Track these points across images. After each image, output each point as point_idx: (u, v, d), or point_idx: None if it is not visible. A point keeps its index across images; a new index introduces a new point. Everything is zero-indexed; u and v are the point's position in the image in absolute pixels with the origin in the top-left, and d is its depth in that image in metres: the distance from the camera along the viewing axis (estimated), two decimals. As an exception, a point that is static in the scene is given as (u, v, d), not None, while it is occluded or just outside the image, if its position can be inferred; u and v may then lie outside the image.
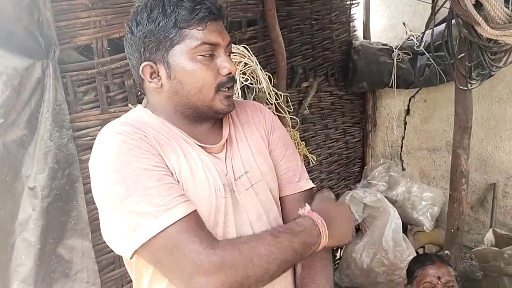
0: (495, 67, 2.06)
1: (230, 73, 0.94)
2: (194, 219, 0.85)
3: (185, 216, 0.82)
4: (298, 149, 2.48)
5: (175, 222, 0.81)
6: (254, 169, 1.02)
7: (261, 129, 1.10)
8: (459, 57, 2.10)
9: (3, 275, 1.40)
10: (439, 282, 1.72)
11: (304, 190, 1.10)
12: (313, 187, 1.13)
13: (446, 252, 2.32)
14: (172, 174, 0.89)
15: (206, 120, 1.00)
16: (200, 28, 0.91)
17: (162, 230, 0.80)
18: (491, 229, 2.74)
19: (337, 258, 3.14)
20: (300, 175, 1.11)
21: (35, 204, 1.44)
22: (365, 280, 2.62)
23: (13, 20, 1.33)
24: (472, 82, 2.16)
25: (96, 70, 1.60)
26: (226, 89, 0.96)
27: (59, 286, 1.49)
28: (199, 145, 0.97)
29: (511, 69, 2.75)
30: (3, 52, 1.32)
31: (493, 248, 2.59)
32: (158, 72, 0.95)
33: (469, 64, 2.07)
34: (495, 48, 1.96)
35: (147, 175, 0.84)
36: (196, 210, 0.86)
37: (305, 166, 2.52)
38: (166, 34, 0.91)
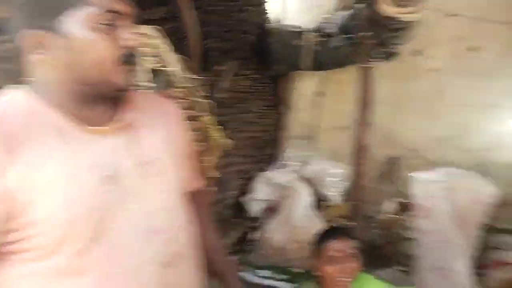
0: (395, 45, 2.19)
1: (130, 46, 0.87)
2: None
3: None
4: (213, 134, 2.48)
5: None
6: (161, 159, 0.97)
7: (175, 125, 1.06)
8: (362, 35, 2.20)
9: None
10: (341, 255, 1.77)
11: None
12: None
13: (351, 223, 2.47)
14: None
15: (100, 101, 0.89)
16: None
17: None
18: (392, 199, 3.00)
19: (252, 240, 3.21)
20: (198, 170, 1.17)
21: None
22: (279, 258, 2.70)
23: None
24: (373, 60, 2.28)
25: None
26: (126, 64, 0.88)
27: None
28: (84, 128, 0.87)
29: (412, 48, 2.98)
30: None
31: (393, 216, 2.84)
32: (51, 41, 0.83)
33: (371, 42, 2.17)
34: (395, 26, 2.06)
35: None
36: None
37: (222, 151, 2.56)
38: None
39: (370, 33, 2.15)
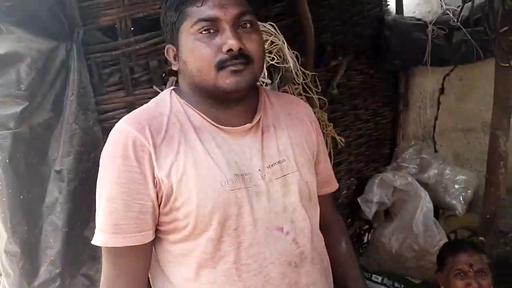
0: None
1: (231, 49, 0.88)
2: (114, 253, 0.93)
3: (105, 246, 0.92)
4: (326, 130, 2.41)
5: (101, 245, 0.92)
6: (290, 159, 0.99)
7: (308, 127, 1.08)
8: (501, 31, 1.97)
9: (32, 257, 1.43)
10: (471, 270, 1.68)
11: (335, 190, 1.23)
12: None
13: (481, 238, 2.23)
14: (147, 194, 0.91)
15: (227, 102, 0.95)
16: (199, 5, 0.88)
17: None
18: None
19: (364, 242, 3.09)
20: (332, 174, 1.21)
21: (62, 187, 1.45)
22: (393, 265, 2.56)
23: (37, 1, 1.31)
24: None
25: (121, 51, 1.57)
26: (231, 66, 0.89)
27: (87, 269, 1.51)
28: (219, 127, 0.95)
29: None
30: (27, 35, 1.31)
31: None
32: (178, 54, 0.95)
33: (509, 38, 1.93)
34: None
35: (114, 191, 0.90)
36: (122, 247, 0.91)
37: (333, 148, 2.49)
38: (172, 16, 0.91)
39: (508, 28, 1.89)
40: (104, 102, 1.55)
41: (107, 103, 1.56)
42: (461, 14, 2.69)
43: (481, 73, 2.86)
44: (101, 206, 0.92)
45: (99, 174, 0.94)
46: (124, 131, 0.91)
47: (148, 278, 1.03)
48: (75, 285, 1.52)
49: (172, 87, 1.03)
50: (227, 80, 0.89)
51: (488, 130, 2.35)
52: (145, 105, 1.01)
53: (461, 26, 2.71)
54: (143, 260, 0.96)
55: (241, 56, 0.89)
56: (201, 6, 0.88)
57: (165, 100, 0.98)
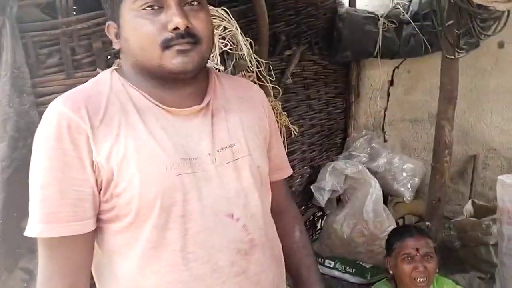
0: (484, 35, 2.00)
1: (177, 28, 0.83)
2: (50, 245, 0.86)
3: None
4: (279, 120, 2.41)
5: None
6: (241, 143, 0.95)
7: (260, 111, 1.04)
8: (447, 24, 2.04)
9: (-39, 251, 1.32)
10: (418, 254, 1.73)
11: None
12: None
13: (427, 223, 2.33)
14: (85, 176, 0.84)
15: (174, 83, 0.90)
16: None
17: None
18: (470, 200, 2.78)
19: (317, 228, 3.15)
20: (286, 160, 1.17)
21: (-5, 176, 1.34)
22: (345, 250, 2.63)
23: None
24: (460, 51, 2.11)
25: (60, 30, 1.46)
26: (178, 45, 0.84)
27: (25, 262, 1.41)
28: (164, 109, 0.89)
29: (496, 40, 2.72)
30: (-50, 7, 1.19)
31: (471, 218, 2.63)
32: (119, 31, 0.88)
33: (458, 32, 2.01)
34: (485, 15, 1.89)
35: (48, 176, 0.83)
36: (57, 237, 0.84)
37: (287, 137, 2.49)
38: None
39: (455, 21, 1.96)
40: (41, 85, 1.45)
41: (45, 85, 1.46)
42: (411, 9, 2.78)
43: (428, 66, 2.98)
44: (34, 194, 0.85)
45: (31, 159, 0.86)
46: (58, 111, 0.83)
47: (91, 273, 0.96)
48: (13, 280, 1.42)
49: (113, 67, 0.95)
50: (173, 61, 0.84)
51: (434, 121, 2.45)
52: (82, 84, 0.93)
53: (410, 20, 2.80)
54: (83, 253, 0.88)
55: (188, 36, 0.84)
56: None
57: (105, 79, 0.91)
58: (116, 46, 0.91)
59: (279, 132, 2.43)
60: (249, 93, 1.05)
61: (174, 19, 0.82)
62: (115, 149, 0.84)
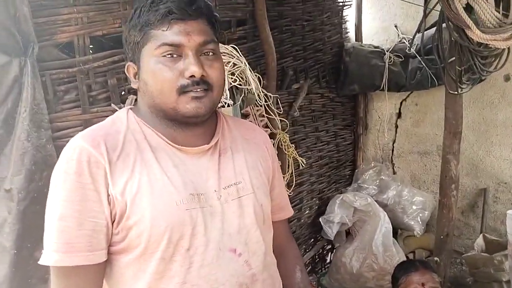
0: (485, 72, 2.04)
1: (193, 75, 0.89)
2: (64, 274, 0.89)
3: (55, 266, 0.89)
4: (287, 152, 2.44)
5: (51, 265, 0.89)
6: (246, 181, 1.00)
7: (264, 151, 1.10)
8: (449, 61, 2.08)
9: (-25, 281, 1.35)
10: None
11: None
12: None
13: (436, 258, 2.29)
14: (102, 211, 0.89)
15: (185, 125, 0.96)
16: (164, 29, 0.89)
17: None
18: (481, 235, 2.73)
19: (327, 262, 3.11)
20: (287, 201, 1.21)
21: (11, 207, 1.38)
22: (354, 284, 2.59)
23: (-13, 16, 1.28)
24: (463, 87, 2.14)
25: (78, 68, 1.55)
26: (192, 91, 0.90)
27: (37, 292, 1.44)
28: (176, 147, 0.94)
29: (502, 74, 2.76)
30: (-23, 49, 1.27)
31: (483, 254, 2.57)
32: (138, 73, 0.95)
33: (459, 69, 2.04)
34: (485, 52, 1.94)
35: (67, 208, 0.87)
36: (73, 266, 0.88)
37: (295, 169, 2.52)
38: (136, 35, 0.92)
39: (457, 58, 2.00)
40: (58, 120, 1.52)
41: (62, 120, 1.53)
42: (416, 44, 2.84)
43: (435, 99, 3.00)
44: (51, 225, 0.89)
45: (50, 191, 0.91)
46: (78, 147, 0.89)
47: None
48: (25, 310, 1.44)
49: (129, 106, 1.03)
50: (187, 105, 0.90)
51: (442, 154, 2.45)
52: (100, 122, 1.00)
53: (416, 54, 2.86)
54: (94, 282, 0.92)
55: (202, 83, 0.91)
56: (166, 30, 0.89)
57: (122, 118, 0.98)
58: (134, 85, 0.98)
59: (287, 165, 2.49)
60: (253, 135, 1.11)
61: (191, 67, 0.89)
62: (130, 184, 0.89)
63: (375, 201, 2.76)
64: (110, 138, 0.92)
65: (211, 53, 0.94)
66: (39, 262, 0.89)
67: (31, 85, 1.39)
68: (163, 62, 0.90)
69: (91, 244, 0.88)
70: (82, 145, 0.89)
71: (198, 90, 0.90)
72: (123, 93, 1.68)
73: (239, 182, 0.99)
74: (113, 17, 1.61)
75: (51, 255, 0.88)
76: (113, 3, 1.61)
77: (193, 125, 0.96)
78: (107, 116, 1.54)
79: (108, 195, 0.88)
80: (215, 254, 0.93)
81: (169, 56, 0.90)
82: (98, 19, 1.57)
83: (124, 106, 1.62)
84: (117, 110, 1.58)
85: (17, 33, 1.35)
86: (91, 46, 1.62)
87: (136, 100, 1.04)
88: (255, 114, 2.28)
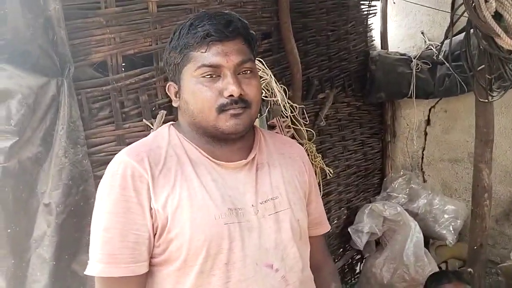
0: (514, 78, 1.98)
1: (232, 95, 0.93)
2: (107, 284, 0.92)
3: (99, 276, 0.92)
4: (314, 161, 2.44)
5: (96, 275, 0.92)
6: (283, 196, 1.02)
7: (300, 166, 1.11)
8: (478, 69, 2.04)
9: (18, 292, 1.41)
10: None
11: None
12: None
13: (469, 270, 2.23)
14: (145, 224, 0.92)
15: (224, 141, 0.99)
16: (203, 51, 0.93)
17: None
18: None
19: (356, 272, 3.07)
20: (324, 216, 1.21)
21: (50, 221, 1.45)
22: (385, 296, 2.54)
23: (28, 39, 1.35)
24: (493, 95, 2.08)
25: (111, 86, 1.62)
26: (231, 110, 0.94)
27: (74, 302, 1.49)
28: (215, 162, 0.98)
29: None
30: (18, 71, 1.34)
31: (521, 264, 2.49)
32: (179, 92, 1.00)
33: (489, 77, 2.00)
34: None
35: (111, 220, 0.91)
36: (115, 277, 0.91)
37: (322, 179, 2.51)
38: (176, 57, 0.96)
39: (487, 66, 1.96)
40: (93, 136, 1.58)
41: (97, 136, 1.59)
42: (444, 50, 2.80)
43: (465, 106, 2.94)
44: (96, 236, 0.93)
45: (95, 204, 0.95)
46: (123, 161, 0.94)
47: None
48: (62, 320, 1.49)
49: (171, 122, 1.08)
50: (226, 123, 0.94)
51: (474, 161, 2.39)
52: (143, 138, 1.05)
53: (444, 61, 2.81)
54: None
55: (240, 101, 0.94)
56: (205, 52, 0.92)
57: (163, 134, 1.02)
58: (175, 104, 1.03)
59: (315, 174, 2.48)
60: (290, 150, 1.13)
61: (230, 87, 0.92)
62: (171, 198, 0.92)
63: (405, 210, 2.71)
64: (152, 153, 0.96)
65: (248, 72, 0.97)
66: (84, 273, 0.93)
67: (67, 103, 1.46)
68: (202, 83, 0.93)
69: (134, 256, 0.91)
70: (127, 160, 0.94)
71: (236, 108, 0.94)
72: (154, 108, 1.74)
73: (276, 197, 1.01)
74: (143, 36, 1.67)
75: (95, 265, 0.91)
76: (144, 22, 1.67)
77: (231, 141, 0.99)
78: (139, 131, 1.62)
79: (151, 209, 0.92)
80: (252, 269, 0.94)
81: (209, 76, 0.93)
82: (129, 38, 1.64)
83: (155, 121, 1.68)
84: (148, 125, 1.65)
85: (55, 55, 1.42)
86: (123, 65, 1.68)
87: (167, 115, 1.07)
88: (281, 125, 2.29)
